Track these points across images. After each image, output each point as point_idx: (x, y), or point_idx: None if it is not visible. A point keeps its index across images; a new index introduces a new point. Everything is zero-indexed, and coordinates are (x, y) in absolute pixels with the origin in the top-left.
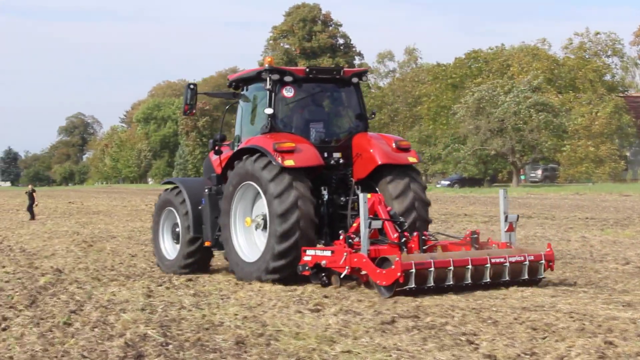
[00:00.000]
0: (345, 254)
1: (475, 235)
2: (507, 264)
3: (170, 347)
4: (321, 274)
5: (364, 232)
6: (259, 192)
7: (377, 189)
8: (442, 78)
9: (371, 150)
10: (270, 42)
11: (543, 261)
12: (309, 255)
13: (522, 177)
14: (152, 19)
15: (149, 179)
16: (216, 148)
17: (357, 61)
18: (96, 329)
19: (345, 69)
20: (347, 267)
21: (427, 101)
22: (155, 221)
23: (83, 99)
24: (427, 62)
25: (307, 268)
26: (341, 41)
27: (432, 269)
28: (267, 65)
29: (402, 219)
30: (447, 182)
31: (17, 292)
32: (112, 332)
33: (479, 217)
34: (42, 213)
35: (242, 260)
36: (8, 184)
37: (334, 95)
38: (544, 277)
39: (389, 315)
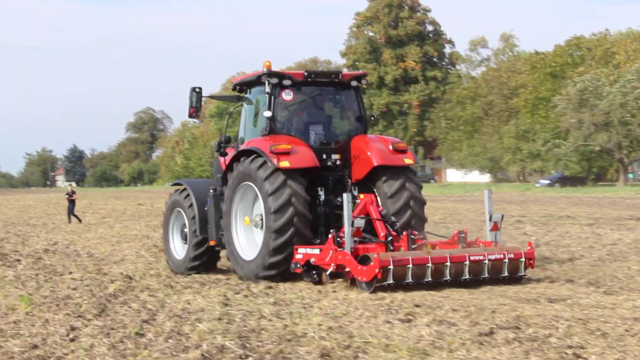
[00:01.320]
0: (331, 251)
1: (463, 235)
2: (486, 261)
3: (249, 359)
4: (312, 272)
5: (347, 230)
6: (257, 193)
7: (374, 190)
8: (540, 67)
9: (368, 153)
10: (354, 29)
11: (523, 259)
12: (300, 253)
13: (631, 176)
14: (226, 7)
15: None
16: (221, 150)
17: (447, 49)
18: (170, 340)
19: (344, 72)
20: (332, 264)
21: (524, 93)
22: (165, 222)
23: (152, 93)
24: (523, 50)
25: (298, 266)
26: (430, 28)
27: (410, 265)
28: (265, 69)
29: (393, 219)
30: (547, 181)
31: (85, 300)
32: (188, 343)
33: (583, 219)
34: (109, 215)
35: (242, 259)
36: (73, 184)
37: (333, 99)
38: (525, 275)
39: (486, 326)
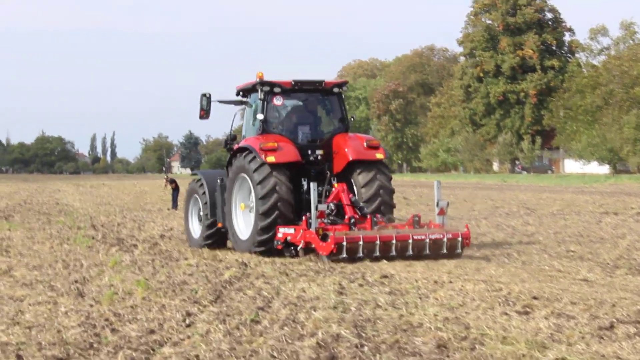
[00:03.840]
0: (301, 230)
1: (417, 218)
2: (427, 240)
3: (365, 349)
4: (290, 248)
5: (313, 213)
6: (250, 184)
7: (351, 180)
8: None
9: (346, 149)
10: (471, 17)
11: (460, 239)
12: (281, 232)
13: None
14: None
15: None
16: (228, 146)
17: (567, 37)
18: (286, 327)
19: (326, 81)
20: (302, 241)
21: None
22: (186, 206)
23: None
24: None
25: (279, 243)
26: (549, 15)
27: (361, 242)
28: (258, 79)
29: (361, 204)
30: None
31: (201, 286)
32: (303, 331)
33: None
34: None
35: (239, 238)
36: (188, 170)
37: (318, 103)
38: (461, 252)
39: (606, 320)
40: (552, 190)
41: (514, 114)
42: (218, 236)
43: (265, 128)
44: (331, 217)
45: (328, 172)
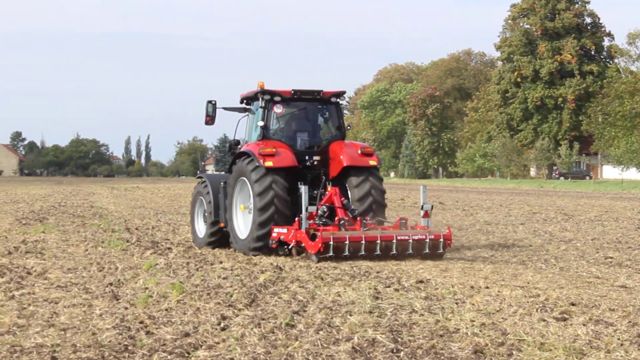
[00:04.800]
0: (293, 230)
1: (404, 221)
2: (411, 240)
3: (401, 354)
4: (284, 247)
5: (304, 214)
6: (249, 186)
7: (346, 185)
8: None
9: (341, 156)
10: (509, 21)
11: (442, 240)
12: (275, 232)
13: None
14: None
15: None
16: (232, 151)
17: (606, 42)
18: (321, 332)
19: (324, 91)
20: (293, 241)
21: None
22: (192, 207)
23: (302, 82)
24: None
25: (274, 242)
26: (588, 20)
27: (347, 242)
28: (259, 88)
29: (353, 207)
30: None
31: (236, 289)
32: (338, 335)
33: None
34: None
35: (238, 237)
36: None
37: (316, 111)
38: (443, 252)
39: None
40: (590, 196)
41: (552, 119)
42: (221, 236)
43: (265, 134)
44: (323, 219)
45: (323, 176)
